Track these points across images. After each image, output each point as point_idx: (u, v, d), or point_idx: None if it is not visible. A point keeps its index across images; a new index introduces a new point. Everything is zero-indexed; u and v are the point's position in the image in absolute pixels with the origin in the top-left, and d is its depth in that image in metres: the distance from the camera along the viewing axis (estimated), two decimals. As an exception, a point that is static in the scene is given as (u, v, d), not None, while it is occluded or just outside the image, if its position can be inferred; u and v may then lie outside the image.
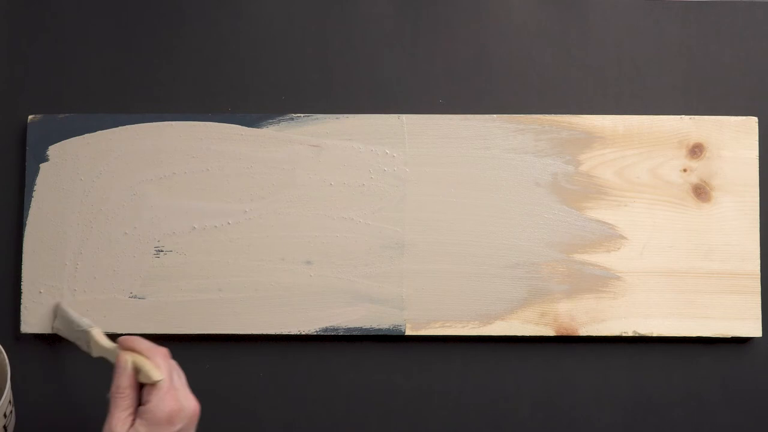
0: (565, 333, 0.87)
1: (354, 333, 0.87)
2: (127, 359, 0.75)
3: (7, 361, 0.80)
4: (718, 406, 0.88)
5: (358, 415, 0.88)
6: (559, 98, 0.91)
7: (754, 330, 0.87)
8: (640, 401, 0.88)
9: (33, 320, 0.87)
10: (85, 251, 0.88)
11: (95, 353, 0.82)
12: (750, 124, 0.88)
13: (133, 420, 0.73)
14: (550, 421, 0.88)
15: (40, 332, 0.87)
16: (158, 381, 0.73)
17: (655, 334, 0.86)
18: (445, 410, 0.88)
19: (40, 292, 0.87)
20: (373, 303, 0.87)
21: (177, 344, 0.88)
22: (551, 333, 0.87)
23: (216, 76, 0.91)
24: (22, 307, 0.87)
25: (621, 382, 0.88)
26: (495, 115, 0.89)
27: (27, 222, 0.88)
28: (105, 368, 0.89)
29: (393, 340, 0.88)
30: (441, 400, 0.88)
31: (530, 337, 0.87)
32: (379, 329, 0.87)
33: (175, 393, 0.74)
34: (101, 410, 0.88)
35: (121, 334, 0.86)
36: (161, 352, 0.76)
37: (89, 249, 0.88)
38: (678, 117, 0.89)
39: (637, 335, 0.86)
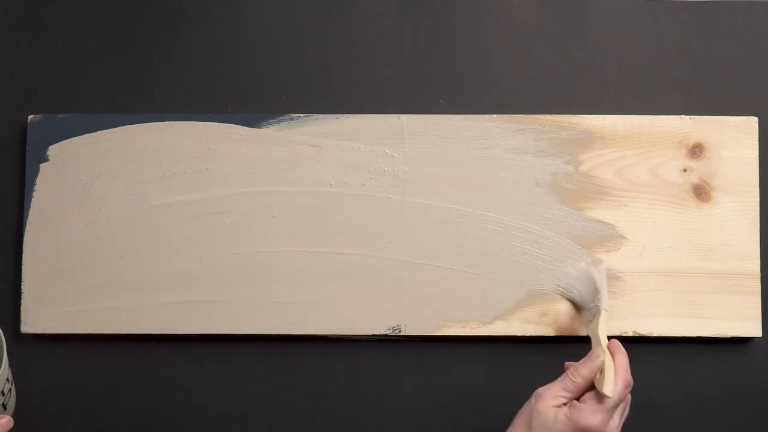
0: (565, 333, 0.86)
1: (353, 333, 0.87)
2: (601, 356, 0.77)
3: (3, 339, 0.79)
4: (718, 406, 0.88)
5: (358, 415, 0.88)
6: (559, 98, 0.91)
7: (754, 330, 0.87)
8: (640, 401, 0.88)
9: (33, 320, 0.87)
10: (85, 251, 0.87)
11: (587, 331, 0.83)
12: (750, 124, 0.88)
13: (563, 404, 0.75)
14: (550, 421, 0.88)
15: (40, 332, 0.87)
16: (605, 396, 0.75)
17: (655, 334, 0.86)
18: (445, 411, 0.88)
19: (40, 292, 0.87)
20: (372, 303, 0.87)
21: (177, 344, 0.88)
22: (551, 333, 0.87)
23: (216, 76, 0.91)
24: (22, 307, 0.87)
25: (621, 382, 0.88)
26: (495, 115, 0.88)
27: (27, 222, 0.88)
28: (105, 369, 0.89)
29: (393, 340, 0.88)
30: (441, 401, 0.88)
31: (530, 337, 0.87)
32: (379, 329, 0.87)
33: (605, 418, 0.74)
34: (101, 410, 0.89)
35: (125, 335, 0.87)
36: (625, 380, 0.76)
37: (89, 249, 0.87)
38: (678, 117, 0.88)
39: (637, 335, 0.86)
